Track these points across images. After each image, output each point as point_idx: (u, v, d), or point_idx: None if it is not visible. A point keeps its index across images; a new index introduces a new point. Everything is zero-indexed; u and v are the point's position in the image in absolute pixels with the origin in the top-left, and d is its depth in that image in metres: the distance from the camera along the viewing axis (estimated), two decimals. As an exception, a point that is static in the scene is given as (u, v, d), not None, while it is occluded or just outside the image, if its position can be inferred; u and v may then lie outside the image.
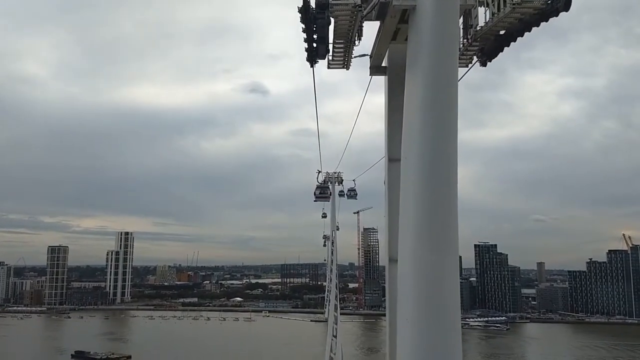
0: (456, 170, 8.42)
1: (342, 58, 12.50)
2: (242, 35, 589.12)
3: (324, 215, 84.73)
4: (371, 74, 12.74)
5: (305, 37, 11.09)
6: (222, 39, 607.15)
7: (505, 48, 11.08)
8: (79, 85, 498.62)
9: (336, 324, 67.32)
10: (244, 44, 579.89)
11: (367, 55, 12.77)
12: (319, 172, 60.47)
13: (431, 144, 8.35)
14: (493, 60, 11.70)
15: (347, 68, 12.84)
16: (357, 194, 63.07)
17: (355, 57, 12.48)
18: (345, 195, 63.48)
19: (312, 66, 12.17)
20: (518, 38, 10.58)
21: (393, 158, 11.86)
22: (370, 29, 11.67)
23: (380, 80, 13.77)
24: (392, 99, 11.96)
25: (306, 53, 11.56)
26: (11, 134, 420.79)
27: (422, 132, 8.42)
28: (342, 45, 11.77)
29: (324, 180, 65.23)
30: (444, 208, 8.30)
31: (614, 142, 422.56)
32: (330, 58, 12.26)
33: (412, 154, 8.60)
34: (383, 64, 12.59)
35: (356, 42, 11.56)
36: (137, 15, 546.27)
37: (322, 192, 59.16)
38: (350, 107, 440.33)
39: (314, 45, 11.26)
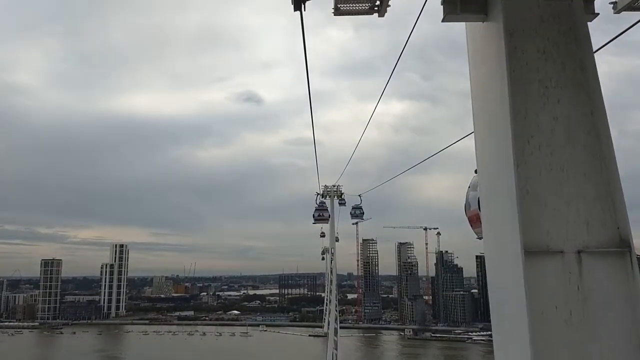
0: None
1: None
2: (235, 44, 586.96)
3: (322, 235, 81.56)
4: (446, 18, 5.70)
5: None
6: (215, 47, 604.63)
7: None
8: (72, 95, 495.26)
9: (336, 349, 63.94)
10: (238, 53, 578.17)
11: None
12: (317, 194, 56.89)
13: None
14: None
15: (382, 13, 5.89)
16: (363, 213, 56.41)
17: None
18: (350, 215, 59.01)
19: (297, 8, 5.78)
20: None
21: (537, 249, 5.15)
22: None
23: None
24: (519, 86, 5.37)
25: None
26: (6, 144, 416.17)
27: None
28: None
29: (323, 194, 62.03)
30: None
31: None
32: None
33: None
34: None
35: None
36: (129, 24, 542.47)
37: (321, 215, 55.06)
38: (345, 116, 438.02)
39: None
